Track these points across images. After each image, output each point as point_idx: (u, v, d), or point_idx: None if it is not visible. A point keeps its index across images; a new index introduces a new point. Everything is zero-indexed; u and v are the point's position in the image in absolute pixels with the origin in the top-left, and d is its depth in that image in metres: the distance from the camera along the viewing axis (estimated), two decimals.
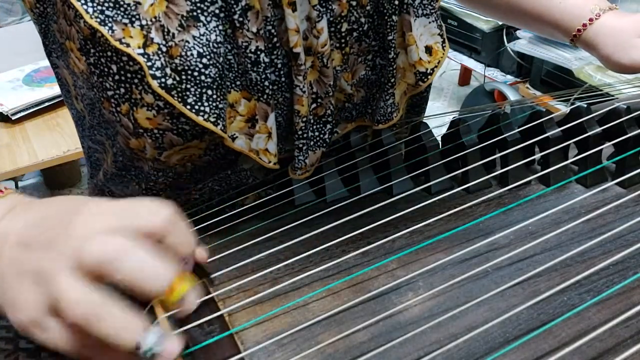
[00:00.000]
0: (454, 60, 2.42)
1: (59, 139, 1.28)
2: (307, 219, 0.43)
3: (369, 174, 0.49)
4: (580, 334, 0.34)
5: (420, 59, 0.49)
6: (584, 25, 0.60)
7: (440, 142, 0.51)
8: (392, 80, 0.50)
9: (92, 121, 0.48)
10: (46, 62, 1.58)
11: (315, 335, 0.34)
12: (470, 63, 2.33)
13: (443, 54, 0.50)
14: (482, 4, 0.69)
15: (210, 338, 0.33)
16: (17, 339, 0.34)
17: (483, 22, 2.08)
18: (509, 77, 2.14)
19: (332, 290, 0.38)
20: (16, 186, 1.76)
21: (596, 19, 0.59)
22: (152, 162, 0.46)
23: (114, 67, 0.39)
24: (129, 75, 0.39)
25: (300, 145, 0.48)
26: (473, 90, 2.30)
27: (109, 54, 0.39)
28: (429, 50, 0.50)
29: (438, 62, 0.50)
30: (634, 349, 0.31)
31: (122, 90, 0.40)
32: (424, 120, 0.53)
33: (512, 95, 1.94)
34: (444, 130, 0.52)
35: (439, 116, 0.60)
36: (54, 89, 1.36)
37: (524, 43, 1.88)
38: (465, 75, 2.87)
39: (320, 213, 0.44)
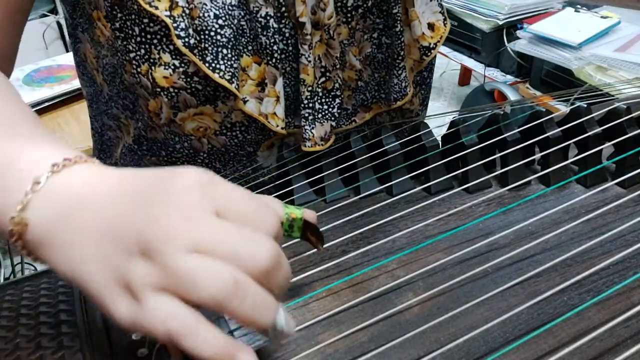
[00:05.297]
0: (454, 60, 2.42)
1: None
2: None
3: (369, 174, 0.49)
4: (580, 334, 0.34)
5: (423, 33, 0.52)
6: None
7: (440, 142, 0.51)
8: (402, 53, 0.52)
9: (111, 91, 0.52)
10: (46, 62, 1.58)
11: (315, 335, 0.34)
12: (470, 63, 2.33)
13: (445, 30, 0.53)
14: None
15: None
16: (17, 338, 0.34)
17: (483, 22, 2.07)
18: (509, 77, 2.13)
19: (332, 290, 0.38)
20: None
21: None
22: (168, 127, 0.49)
23: (136, 29, 0.44)
24: (149, 36, 0.44)
25: (307, 115, 0.51)
26: (473, 90, 2.30)
27: (133, 16, 0.44)
28: (431, 26, 0.53)
29: (440, 37, 0.53)
30: (634, 349, 0.32)
31: (143, 51, 0.45)
32: (424, 120, 0.53)
33: (512, 95, 1.94)
34: (444, 130, 0.52)
35: (439, 116, 0.60)
36: (54, 89, 1.36)
37: (524, 43, 1.87)
38: (465, 75, 2.87)
39: (320, 213, 0.44)
